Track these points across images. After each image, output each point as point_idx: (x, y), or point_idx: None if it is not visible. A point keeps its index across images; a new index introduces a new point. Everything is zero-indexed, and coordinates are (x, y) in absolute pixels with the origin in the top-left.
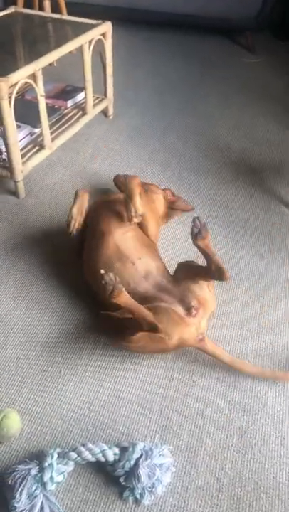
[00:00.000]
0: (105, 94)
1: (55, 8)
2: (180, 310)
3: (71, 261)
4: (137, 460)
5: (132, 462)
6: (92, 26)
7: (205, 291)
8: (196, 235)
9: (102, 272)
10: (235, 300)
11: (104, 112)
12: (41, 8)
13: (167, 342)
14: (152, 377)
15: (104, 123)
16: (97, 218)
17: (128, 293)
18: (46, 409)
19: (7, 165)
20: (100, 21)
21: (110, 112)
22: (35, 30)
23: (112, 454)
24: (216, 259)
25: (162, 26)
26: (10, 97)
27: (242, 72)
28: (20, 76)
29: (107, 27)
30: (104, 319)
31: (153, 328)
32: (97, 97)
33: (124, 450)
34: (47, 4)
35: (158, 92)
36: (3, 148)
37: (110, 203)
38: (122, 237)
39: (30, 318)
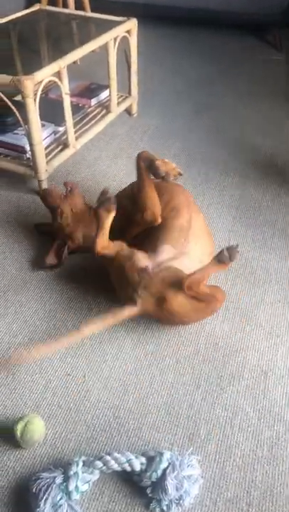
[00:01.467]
0: (129, 93)
1: (79, 5)
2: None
3: (95, 262)
4: (164, 470)
5: (159, 473)
6: (118, 23)
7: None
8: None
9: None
10: (264, 304)
11: (128, 111)
12: (65, 5)
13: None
14: (179, 383)
15: (127, 121)
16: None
17: None
18: (71, 414)
19: (31, 164)
20: (125, 18)
21: (134, 110)
22: (60, 28)
23: (138, 464)
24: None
25: (183, 22)
26: (35, 96)
27: (268, 70)
28: (45, 74)
29: (132, 24)
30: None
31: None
32: (121, 95)
33: (150, 460)
34: (71, 1)
35: (181, 90)
36: (28, 147)
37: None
38: (196, 216)
39: (54, 320)
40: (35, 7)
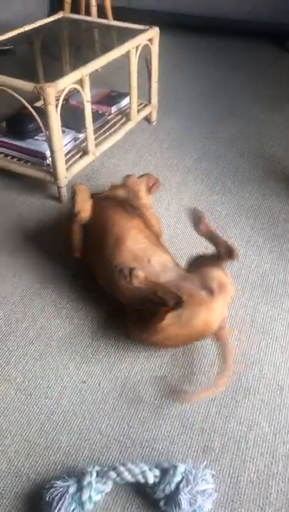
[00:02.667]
0: (149, 101)
1: (101, 13)
2: (203, 293)
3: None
4: (178, 484)
5: (173, 486)
6: (140, 32)
7: (222, 275)
8: (197, 223)
9: (115, 264)
10: (280, 318)
11: (148, 119)
12: (88, 13)
13: (193, 324)
14: None
15: (147, 129)
16: (102, 220)
17: None
18: (85, 422)
19: (51, 170)
20: (147, 27)
21: (154, 118)
22: (83, 36)
23: (152, 476)
24: (222, 240)
25: (203, 31)
26: (57, 103)
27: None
28: (67, 82)
29: (154, 32)
30: (131, 319)
31: (178, 305)
32: (141, 103)
33: (164, 472)
34: (94, 9)
35: (201, 99)
36: (48, 154)
37: (111, 199)
38: (134, 242)
39: (71, 326)
40: (59, 15)
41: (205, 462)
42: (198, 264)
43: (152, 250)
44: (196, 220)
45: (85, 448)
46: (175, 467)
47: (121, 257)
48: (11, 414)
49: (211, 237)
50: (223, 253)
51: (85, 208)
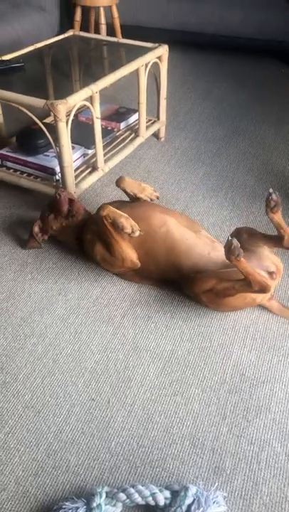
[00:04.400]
0: (158, 117)
1: (111, 31)
2: (264, 273)
3: (123, 284)
4: (189, 506)
5: (184, 508)
6: (149, 49)
7: (278, 260)
8: (273, 207)
9: (230, 237)
10: None
11: (156, 135)
12: (97, 31)
13: (256, 299)
14: (204, 413)
15: (155, 146)
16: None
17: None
18: (94, 441)
19: (60, 185)
20: (156, 44)
21: (162, 134)
22: (93, 53)
23: (162, 498)
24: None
25: (212, 48)
26: (67, 119)
27: None
28: (78, 99)
29: (163, 50)
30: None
31: (261, 292)
32: (150, 120)
33: (175, 494)
34: (103, 27)
35: (209, 115)
36: (58, 169)
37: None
38: (174, 228)
39: (80, 342)
40: (69, 33)
41: (216, 483)
42: (249, 238)
43: (196, 226)
44: (274, 204)
45: (94, 468)
46: (186, 489)
47: (187, 256)
48: (19, 432)
49: (280, 224)
50: (287, 244)
51: (132, 222)
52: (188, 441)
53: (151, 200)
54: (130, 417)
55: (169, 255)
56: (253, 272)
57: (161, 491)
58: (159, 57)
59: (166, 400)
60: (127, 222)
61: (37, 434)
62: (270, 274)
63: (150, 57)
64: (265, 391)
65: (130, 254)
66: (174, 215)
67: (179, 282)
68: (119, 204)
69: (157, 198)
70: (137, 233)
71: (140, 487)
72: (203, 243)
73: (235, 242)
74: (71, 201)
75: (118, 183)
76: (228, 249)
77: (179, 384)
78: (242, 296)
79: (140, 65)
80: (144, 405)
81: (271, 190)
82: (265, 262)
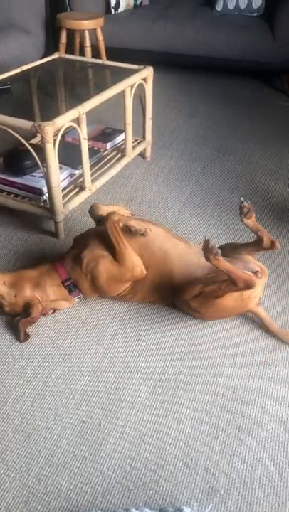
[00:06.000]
0: (144, 137)
1: (95, 53)
2: (249, 273)
3: (112, 304)
4: None
5: None
6: (135, 71)
7: (259, 263)
8: (246, 213)
9: (206, 237)
10: (281, 351)
11: (142, 154)
12: (82, 53)
13: (245, 300)
14: (196, 433)
15: (141, 165)
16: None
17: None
18: (86, 464)
19: (48, 206)
20: (141, 67)
21: (148, 154)
22: (79, 75)
23: None
24: (266, 232)
25: (198, 69)
26: (54, 140)
27: (279, 115)
28: (65, 120)
29: (148, 72)
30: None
31: (247, 288)
32: (136, 139)
33: None
34: (88, 50)
35: (194, 134)
36: (45, 190)
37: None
38: (165, 238)
39: (69, 364)
40: (55, 55)
41: (211, 504)
42: (231, 249)
43: (183, 240)
44: (247, 210)
45: (87, 492)
46: (180, 511)
47: (179, 264)
48: (9, 457)
49: (257, 229)
50: (266, 244)
51: (141, 222)
52: (181, 462)
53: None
54: (122, 438)
55: (164, 266)
56: (235, 269)
57: None
58: (144, 79)
59: (158, 420)
60: (137, 223)
61: (27, 458)
62: (255, 273)
63: (136, 79)
64: (257, 409)
65: (138, 261)
66: (163, 228)
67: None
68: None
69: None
70: (149, 232)
71: (134, 511)
72: (192, 252)
73: (211, 241)
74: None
75: (94, 211)
76: (206, 248)
77: (170, 404)
78: (231, 297)
79: (126, 86)
80: (136, 426)
81: (242, 199)
82: (249, 264)
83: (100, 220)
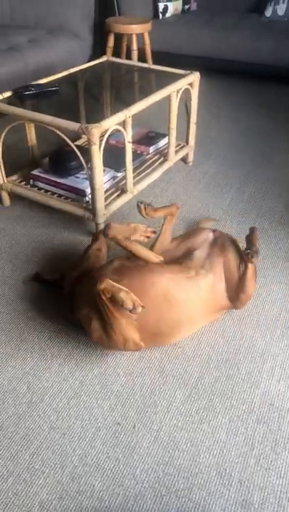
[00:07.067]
0: (187, 142)
1: (141, 56)
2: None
3: None
4: None
5: None
6: (181, 76)
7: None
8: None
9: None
10: None
11: (184, 159)
12: (128, 57)
13: None
14: (231, 443)
15: (183, 170)
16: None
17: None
18: (119, 466)
19: (90, 207)
20: (188, 71)
21: (190, 159)
22: (126, 79)
23: None
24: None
25: (241, 75)
26: (100, 142)
27: None
28: (111, 123)
29: (195, 77)
30: None
31: None
32: (178, 144)
33: None
34: (134, 54)
35: (237, 141)
36: (88, 191)
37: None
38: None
39: (106, 365)
40: (102, 58)
41: None
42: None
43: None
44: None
45: (119, 494)
46: None
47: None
48: (44, 453)
49: (253, 238)
50: (253, 252)
51: (133, 297)
52: (215, 472)
53: (148, 237)
54: (156, 443)
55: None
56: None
57: None
58: (191, 84)
59: (193, 427)
60: (127, 297)
61: (62, 456)
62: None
63: (182, 84)
64: None
65: (132, 334)
66: (171, 272)
67: None
68: (118, 266)
69: (154, 233)
70: (139, 309)
71: None
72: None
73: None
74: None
75: (107, 232)
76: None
77: (205, 412)
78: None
79: (172, 90)
80: (170, 432)
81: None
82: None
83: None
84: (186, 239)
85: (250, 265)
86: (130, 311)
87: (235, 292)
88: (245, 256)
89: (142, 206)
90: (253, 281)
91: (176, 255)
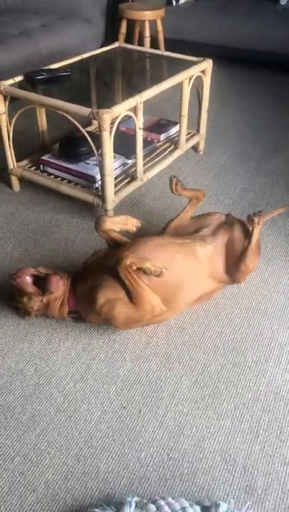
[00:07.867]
0: (198, 130)
1: (154, 43)
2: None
3: None
4: None
5: None
6: (194, 63)
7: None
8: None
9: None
10: None
11: (195, 147)
12: (141, 43)
13: None
14: (236, 430)
15: (193, 158)
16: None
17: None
18: (124, 449)
19: (100, 193)
20: (201, 59)
21: (201, 147)
22: (138, 65)
23: None
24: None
25: (253, 64)
26: (111, 128)
27: None
28: (122, 108)
29: (208, 64)
30: None
31: None
32: (189, 132)
33: (206, 510)
34: (147, 40)
35: (247, 131)
36: (98, 177)
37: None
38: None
39: (112, 350)
40: (115, 44)
41: (248, 503)
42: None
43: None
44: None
45: (124, 476)
46: (217, 505)
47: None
48: (50, 434)
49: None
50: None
51: (156, 263)
52: (219, 457)
53: (137, 228)
54: (161, 428)
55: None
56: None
57: (191, 505)
58: (203, 71)
59: (198, 413)
60: (152, 264)
61: (68, 438)
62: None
63: (195, 71)
64: None
65: (156, 300)
66: (173, 241)
67: None
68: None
69: (138, 227)
70: (164, 272)
71: (170, 500)
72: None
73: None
74: (46, 276)
75: (99, 225)
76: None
77: (211, 398)
78: None
79: (184, 77)
80: (176, 417)
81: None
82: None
83: (110, 244)
84: (200, 218)
85: (253, 238)
86: (158, 276)
87: (236, 264)
88: (248, 219)
89: (175, 181)
90: (256, 255)
91: (188, 231)
